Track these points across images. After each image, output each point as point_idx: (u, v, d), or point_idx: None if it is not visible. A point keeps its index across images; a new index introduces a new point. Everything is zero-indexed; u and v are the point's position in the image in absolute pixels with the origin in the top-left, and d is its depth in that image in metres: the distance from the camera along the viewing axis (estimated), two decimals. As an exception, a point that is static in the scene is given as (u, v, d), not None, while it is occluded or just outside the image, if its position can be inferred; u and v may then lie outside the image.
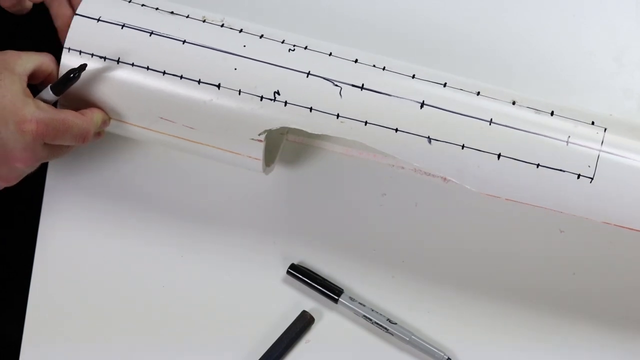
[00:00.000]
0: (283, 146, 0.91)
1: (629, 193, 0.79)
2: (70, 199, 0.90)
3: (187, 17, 0.84)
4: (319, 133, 0.82)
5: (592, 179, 0.79)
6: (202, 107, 0.82)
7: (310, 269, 0.88)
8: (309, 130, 0.82)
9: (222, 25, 0.84)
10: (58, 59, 0.83)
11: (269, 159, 0.87)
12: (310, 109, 0.81)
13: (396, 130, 0.81)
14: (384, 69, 0.82)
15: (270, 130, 0.82)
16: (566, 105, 0.82)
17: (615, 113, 0.93)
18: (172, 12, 0.84)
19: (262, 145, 0.82)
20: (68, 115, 0.80)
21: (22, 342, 0.86)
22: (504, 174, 0.80)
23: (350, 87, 0.81)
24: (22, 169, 0.81)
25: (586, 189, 0.79)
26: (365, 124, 0.81)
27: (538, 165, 0.80)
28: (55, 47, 0.84)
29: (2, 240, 0.99)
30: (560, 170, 0.79)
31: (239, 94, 0.82)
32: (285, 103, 0.81)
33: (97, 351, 0.86)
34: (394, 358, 0.86)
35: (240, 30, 0.83)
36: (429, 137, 0.80)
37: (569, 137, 0.80)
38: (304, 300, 0.87)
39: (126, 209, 0.90)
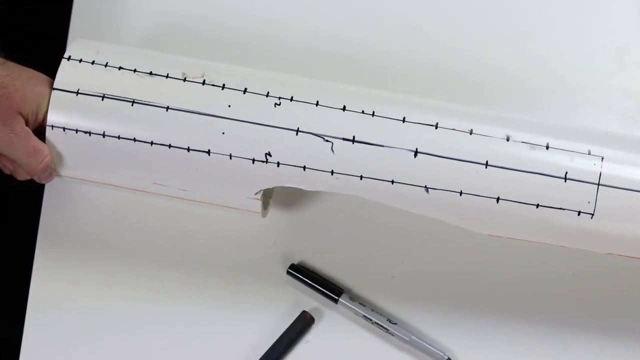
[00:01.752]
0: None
1: (631, 224, 0.80)
2: (71, 198, 0.90)
3: (167, 76, 0.82)
4: (315, 190, 0.82)
5: (592, 215, 0.79)
6: (194, 173, 0.82)
7: (310, 269, 0.88)
8: (305, 188, 0.81)
9: (203, 83, 0.82)
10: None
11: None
12: (304, 167, 0.81)
13: (392, 182, 0.80)
14: (373, 114, 0.81)
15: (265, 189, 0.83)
16: (561, 126, 0.82)
17: (614, 114, 0.94)
18: (150, 73, 0.82)
19: (259, 202, 0.83)
20: (19, 150, 0.81)
21: (22, 343, 0.86)
22: (504, 216, 0.80)
23: (342, 141, 0.80)
24: None
25: (588, 224, 0.80)
26: (361, 178, 0.81)
27: (537, 205, 0.80)
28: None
29: (2, 240, 0.99)
30: (561, 208, 0.80)
31: (230, 158, 0.81)
32: (278, 164, 0.81)
33: (97, 351, 0.86)
34: (394, 358, 0.86)
35: (223, 87, 0.82)
36: (425, 187, 0.80)
37: (567, 172, 0.79)
38: (304, 300, 0.87)
39: (127, 209, 0.90)
